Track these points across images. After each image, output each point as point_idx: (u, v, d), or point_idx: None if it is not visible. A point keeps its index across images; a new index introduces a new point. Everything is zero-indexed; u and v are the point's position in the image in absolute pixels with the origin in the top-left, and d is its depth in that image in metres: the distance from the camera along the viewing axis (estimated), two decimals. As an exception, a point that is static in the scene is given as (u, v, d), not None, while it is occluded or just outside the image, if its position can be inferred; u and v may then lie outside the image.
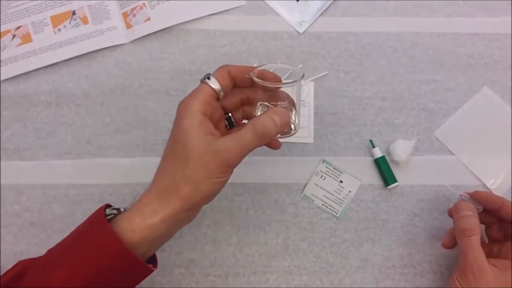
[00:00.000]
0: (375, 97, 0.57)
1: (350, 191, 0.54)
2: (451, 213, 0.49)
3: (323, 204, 0.54)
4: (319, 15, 0.59)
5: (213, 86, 0.40)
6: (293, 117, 0.43)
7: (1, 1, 0.58)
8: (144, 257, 0.39)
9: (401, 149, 0.53)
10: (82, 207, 0.53)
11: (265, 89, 0.41)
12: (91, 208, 0.52)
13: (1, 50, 0.57)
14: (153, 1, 0.58)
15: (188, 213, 0.39)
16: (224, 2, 0.59)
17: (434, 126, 0.56)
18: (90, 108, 0.56)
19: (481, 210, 0.47)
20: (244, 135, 0.38)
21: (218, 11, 0.59)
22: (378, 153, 0.54)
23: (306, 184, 0.54)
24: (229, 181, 0.53)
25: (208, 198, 0.39)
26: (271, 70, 0.42)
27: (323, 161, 0.55)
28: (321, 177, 0.54)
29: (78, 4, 0.59)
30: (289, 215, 0.53)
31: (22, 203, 0.54)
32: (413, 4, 0.59)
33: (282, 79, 0.42)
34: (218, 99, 0.41)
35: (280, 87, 0.41)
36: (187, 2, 0.59)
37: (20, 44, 0.57)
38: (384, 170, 0.54)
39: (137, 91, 0.57)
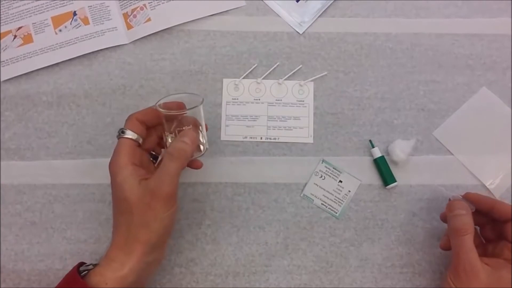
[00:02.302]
0: (374, 98, 0.57)
1: (349, 191, 0.54)
2: (443, 217, 0.49)
3: (322, 204, 0.54)
4: (319, 16, 0.59)
5: (130, 137, 0.44)
6: (201, 139, 0.47)
7: (2, 2, 0.59)
8: None
9: (400, 149, 0.54)
10: (83, 207, 0.54)
11: (170, 118, 0.45)
12: (92, 208, 0.53)
13: (2, 50, 0.57)
14: (153, 2, 0.59)
15: (154, 254, 0.43)
16: (224, 3, 0.59)
17: (433, 126, 0.56)
18: (91, 108, 0.57)
19: (473, 210, 0.47)
20: (166, 165, 0.42)
21: (218, 11, 0.59)
22: (377, 153, 0.54)
23: (305, 184, 0.54)
24: (229, 181, 0.54)
25: (166, 233, 0.44)
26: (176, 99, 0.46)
27: (323, 161, 0.55)
28: (321, 177, 0.54)
29: (79, 5, 0.59)
30: (289, 214, 0.54)
31: (23, 202, 0.54)
32: (412, 5, 0.60)
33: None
34: (139, 145, 0.45)
35: (182, 114, 0.45)
36: (188, 3, 0.59)
37: (21, 45, 0.57)
38: (383, 170, 0.54)
39: (138, 91, 0.57)
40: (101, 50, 0.58)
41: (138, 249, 0.41)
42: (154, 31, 0.58)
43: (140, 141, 0.45)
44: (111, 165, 0.43)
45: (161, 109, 0.44)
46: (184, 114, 0.45)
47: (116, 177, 0.42)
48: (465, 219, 0.45)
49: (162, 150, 0.49)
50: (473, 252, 0.43)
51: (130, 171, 0.42)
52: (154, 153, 0.49)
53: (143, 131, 0.46)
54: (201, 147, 0.47)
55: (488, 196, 0.48)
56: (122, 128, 0.45)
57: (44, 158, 0.55)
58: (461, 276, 0.43)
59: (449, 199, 0.48)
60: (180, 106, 0.46)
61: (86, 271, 0.42)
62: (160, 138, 0.48)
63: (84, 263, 0.44)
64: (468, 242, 0.44)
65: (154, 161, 0.48)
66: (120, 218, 0.42)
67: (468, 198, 0.48)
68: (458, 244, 0.44)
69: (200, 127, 0.47)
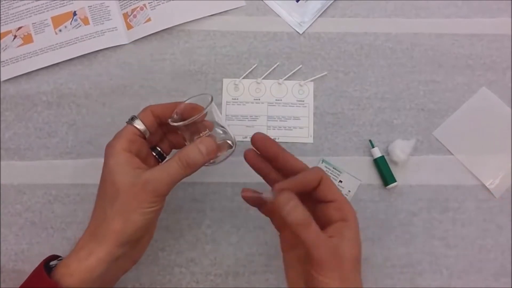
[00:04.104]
0: (374, 97, 0.57)
1: (349, 191, 0.54)
2: (254, 203, 0.44)
3: (322, 204, 0.54)
4: (319, 16, 0.59)
5: (136, 126, 0.42)
6: (231, 136, 0.44)
7: (2, 2, 0.59)
8: None
9: (400, 149, 0.54)
10: (83, 207, 0.54)
11: (184, 128, 0.42)
12: (92, 208, 0.53)
13: (2, 50, 0.57)
14: (153, 2, 0.59)
15: (124, 248, 0.39)
16: (224, 3, 0.59)
17: (433, 126, 0.56)
18: (91, 108, 0.57)
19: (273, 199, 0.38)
20: (171, 165, 0.39)
21: (218, 11, 0.59)
22: (377, 153, 0.54)
23: (305, 184, 0.54)
24: (229, 180, 0.54)
25: (142, 229, 0.39)
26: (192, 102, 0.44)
27: (323, 161, 0.55)
28: (321, 177, 0.54)
29: (79, 5, 0.59)
30: (289, 214, 0.54)
31: (23, 202, 0.54)
32: (412, 5, 0.60)
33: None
34: (144, 138, 0.43)
35: (192, 121, 0.41)
36: (188, 3, 0.59)
37: (21, 45, 0.57)
38: (383, 170, 0.54)
39: (138, 91, 0.57)
40: (101, 50, 0.58)
41: (110, 239, 0.38)
42: (154, 31, 0.58)
43: (147, 134, 0.43)
44: (107, 147, 0.41)
45: (173, 123, 0.41)
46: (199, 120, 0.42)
47: (109, 159, 0.40)
48: (302, 209, 0.37)
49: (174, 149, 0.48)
50: (323, 234, 0.37)
51: (126, 157, 0.40)
52: (159, 149, 0.46)
53: (153, 125, 0.44)
54: (230, 142, 0.44)
55: (273, 143, 0.42)
56: (134, 116, 0.43)
57: (44, 158, 0.55)
58: (329, 264, 0.36)
59: (266, 198, 0.40)
60: (198, 109, 0.43)
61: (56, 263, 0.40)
62: (165, 134, 0.47)
63: (59, 256, 0.41)
64: (315, 228, 0.37)
65: (159, 159, 0.46)
66: (100, 201, 0.40)
67: (255, 144, 0.42)
68: (307, 236, 0.36)
69: (221, 126, 0.44)
